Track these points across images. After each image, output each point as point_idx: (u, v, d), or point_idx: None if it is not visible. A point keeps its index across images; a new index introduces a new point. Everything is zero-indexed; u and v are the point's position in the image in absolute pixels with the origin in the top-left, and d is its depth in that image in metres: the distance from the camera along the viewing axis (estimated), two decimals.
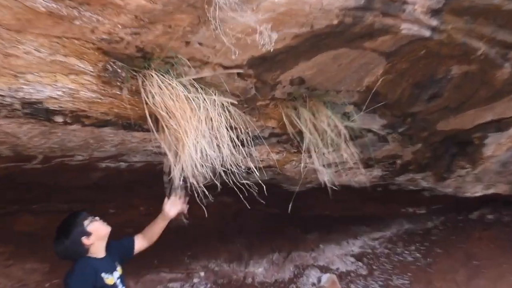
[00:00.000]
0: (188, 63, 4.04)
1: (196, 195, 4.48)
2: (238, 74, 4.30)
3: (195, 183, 4.38)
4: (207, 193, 4.46)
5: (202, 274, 8.09)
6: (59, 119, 4.22)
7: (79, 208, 7.25)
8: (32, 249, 6.85)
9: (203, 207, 4.61)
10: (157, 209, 4.83)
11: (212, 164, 4.43)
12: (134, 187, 5.45)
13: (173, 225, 7.99)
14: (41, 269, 6.78)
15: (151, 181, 4.58)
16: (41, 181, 5.48)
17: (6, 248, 6.92)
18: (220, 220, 8.20)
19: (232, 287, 8.02)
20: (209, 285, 8.00)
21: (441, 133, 5.92)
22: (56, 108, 4.07)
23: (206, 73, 4.18)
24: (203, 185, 4.44)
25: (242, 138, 4.83)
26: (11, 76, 3.67)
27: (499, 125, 5.96)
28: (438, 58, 4.73)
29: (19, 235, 6.50)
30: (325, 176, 5.65)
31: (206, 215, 4.95)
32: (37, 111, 4.04)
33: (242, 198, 4.78)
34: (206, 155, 4.34)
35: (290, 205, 5.74)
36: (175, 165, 4.31)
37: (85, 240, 4.58)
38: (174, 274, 8.02)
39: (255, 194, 5.43)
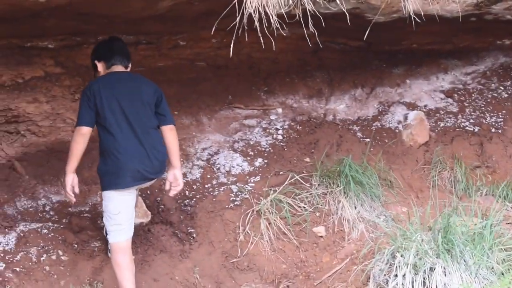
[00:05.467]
0: None
1: (271, 26, 4.38)
2: None
3: (269, 12, 4.27)
4: (278, 24, 4.36)
5: (279, 110, 8.22)
6: None
7: (147, 40, 7.36)
8: None
9: (272, 41, 4.55)
10: (230, 42, 4.72)
11: None
12: (205, 19, 5.37)
13: (246, 59, 8.02)
14: None
15: (223, 11, 4.46)
16: (104, 10, 5.47)
17: (72, 81, 7.07)
18: (297, 54, 8.22)
19: (311, 124, 8.12)
20: (287, 122, 8.13)
21: None
22: None
23: None
24: (278, 15, 4.33)
25: None
26: None
27: None
28: None
29: (85, 68, 6.55)
30: (410, 5, 5.51)
31: (274, 48, 4.89)
32: None
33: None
34: None
35: (366, 34, 5.61)
36: None
37: None
38: (250, 111, 8.19)
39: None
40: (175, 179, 5.61)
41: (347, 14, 5.21)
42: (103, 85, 5.23)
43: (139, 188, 5.60)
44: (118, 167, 5.19)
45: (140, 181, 5.42)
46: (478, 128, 7.80)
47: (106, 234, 5.82)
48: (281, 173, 7.21)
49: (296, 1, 4.43)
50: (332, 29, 5.43)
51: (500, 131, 7.67)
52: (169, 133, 5.53)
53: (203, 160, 7.56)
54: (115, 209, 5.27)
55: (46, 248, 6.10)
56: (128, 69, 5.56)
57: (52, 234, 6.29)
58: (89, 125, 5.12)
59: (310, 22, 4.83)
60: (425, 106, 8.24)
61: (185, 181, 7.13)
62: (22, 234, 6.20)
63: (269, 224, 6.47)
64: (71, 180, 5.16)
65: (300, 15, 4.50)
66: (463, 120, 7.96)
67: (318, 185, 6.89)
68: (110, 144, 5.20)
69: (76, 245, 6.23)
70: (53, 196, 6.77)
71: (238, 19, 4.25)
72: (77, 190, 5.25)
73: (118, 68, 5.46)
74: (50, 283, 5.74)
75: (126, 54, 5.57)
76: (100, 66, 5.48)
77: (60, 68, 7.04)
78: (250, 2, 4.20)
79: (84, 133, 5.09)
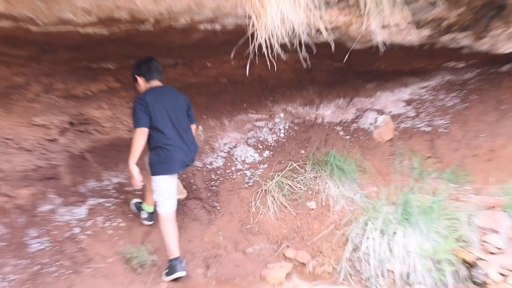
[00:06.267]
0: None
1: (275, 51, 4.37)
2: None
3: (274, 42, 4.31)
4: (280, 51, 4.38)
5: (282, 115, 8.18)
6: None
7: (183, 63, 7.35)
8: None
9: (275, 63, 4.50)
10: (245, 64, 4.78)
11: (289, 25, 4.34)
12: (226, 47, 5.41)
13: (257, 77, 8.01)
14: None
15: (239, 41, 4.52)
16: (152, 41, 5.51)
17: (127, 93, 7.12)
18: (295, 73, 8.18)
19: (306, 125, 8.09)
20: (287, 124, 8.09)
21: None
22: None
23: None
24: (281, 44, 4.36)
25: (316, 3, 4.71)
26: None
27: None
28: None
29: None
30: (379, 37, 5.53)
31: (277, 69, 4.99)
32: None
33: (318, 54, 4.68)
34: (285, 17, 4.24)
35: (345, 58, 5.67)
36: (259, 27, 4.22)
37: None
38: (260, 115, 8.14)
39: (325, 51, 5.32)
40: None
41: (333, 43, 5.27)
42: (154, 98, 5.36)
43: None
44: (169, 158, 5.37)
45: (183, 167, 5.64)
46: (430, 128, 7.76)
47: (138, 209, 6.34)
48: (283, 161, 7.22)
49: (294, 34, 4.44)
50: (321, 54, 5.44)
51: (446, 131, 7.64)
52: (192, 128, 5.80)
53: (224, 152, 7.58)
54: (166, 188, 5.43)
55: (109, 217, 6.19)
56: (161, 81, 5.73)
57: (113, 207, 6.37)
58: (147, 126, 5.29)
59: (313, 49, 4.93)
60: (390, 112, 8.20)
61: (211, 167, 7.27)
62: (91, 207, 6.27)
63: (273, 199, 6.49)
64: (137, 170, 5.30)
65: (297, 44, 4.51)
66: (418, 122, 7.92)
67: (310, 170, 6.87)
68: (161, 141, 5.36)
69: (131, 215, 6.31)
70: (114, 178, 6.83)
71: (251, 47, 4.26)
72: (141, 177, 5.37)
73: (156, 82, 5.66)
74: (112, 243, 5.81)
75: (160, 71, 5.73)
76: (141, 80, 5.67)
77: (118, 84, 7.04)
78: (261, 34, 4.21)
79: (145, 132, 5.27)
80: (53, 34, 4.74)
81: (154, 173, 5.43)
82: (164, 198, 5.42)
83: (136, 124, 5.30)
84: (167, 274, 5.31)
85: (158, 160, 5.39)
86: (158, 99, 5.39)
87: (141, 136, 5.25)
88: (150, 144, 5.44)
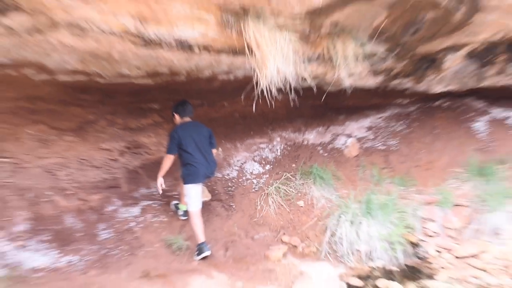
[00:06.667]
0: (269, 14, 3.95)
1: (273, 94, 4.41)
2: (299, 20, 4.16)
3: (272, 87, 4.35)
4: (276, 93, 4.42)
5: (278, 139, 8.11)
6: (196, 50, 4.23)
7: (207, 103, 7.34)
8: None
9: (273, 102, 4.54)
10: (252, 103, 4.81)
11: (283, 75, 4.38)
12: (238, 91, 5.47)
13: (260, 112, 8.00)
14: None
15: (247, 86, 4.58)
16: (185, 88, 5.55)
17: (168, 126, 7.10)
18: (287, 109, 8.12)
19: (296, 146, 8.03)
20: (282, 145, 8.03)
21: (419, 54, 5.63)
22: (194, 43, 4.10)
23: (280, 20, 4.07)
24: (276, 88, 4.41)
25: (302, 59, 4.78)
26: (169, 25, 3.68)
27: (454, 48, 5.66)
28: (418, 7, 4.45)
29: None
30: (347, 82, 5.62)
31: (274, 106, 4.91)
32: (183, 45, 4.07)
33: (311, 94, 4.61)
34: (280, 70, 4.28)
35: (323, 97, 5.75)
36: (261, 76, 4.26)
37: None
38: (262, 139, 8.09)
39: (308, 93, 5.33)
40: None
41: (314, 87, 5.35)
42: (184, 130, 5.45)
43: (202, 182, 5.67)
44: (195, 172, 5.41)
45: (205, 179, 5.64)
46: (385, 147, 7.75)
47: (176, 208, 6.27)
48: (279, 172, 7.17)
49: (286, 81, 4.47)
50: (305, 95, 5.39)
51: (397, 149, 7.63)
52: (214, 151, 5.78)
53: (237, 166, 7.55)
54: (194, 193, 5.44)
55: (155, 214, 6.20)
56: (191, 118, 5.74)
57: (158, 207, 6.38)
58: (175, 153, 5.42)
59: (300, 92, 4.96)
60: (356, 135, 8.15)
61: (228, 177, 7.22)
62: (143, 207, 6.29)
63: (273, 200, 6.46)
64: (161, 181, 5.44)
65: (288, 88, 4.54)
66: (376, 142, 7.90)
67: (300, 179, 6.84)
68: (190, 159, 5.41)
69: (171, 213, 6.29)
70: None
71: (255, 91, 4.31)
72: (164, 186, 5.49)
73: (187, 118, 5.67)
74: (157, 233, 5.81)
75: (192, 110, 5.71)
76: (177, 117, 5.68)
77: (162, 119, 7.07)
78: (262, 82, 4.25)
79: (172, 158, 5.40)
80: (115, 84, 4.81)
81: (185, 182, 5.47)
82: (193, 201, 5.45)
83: (167, 151, 5.43)
84: (197, 254, 5.32)
85: (187, 173, 5.45)
86: (187, 131, 5.46)
87: (168, 160, 5.39)
88: (182, 162, 5.50)
